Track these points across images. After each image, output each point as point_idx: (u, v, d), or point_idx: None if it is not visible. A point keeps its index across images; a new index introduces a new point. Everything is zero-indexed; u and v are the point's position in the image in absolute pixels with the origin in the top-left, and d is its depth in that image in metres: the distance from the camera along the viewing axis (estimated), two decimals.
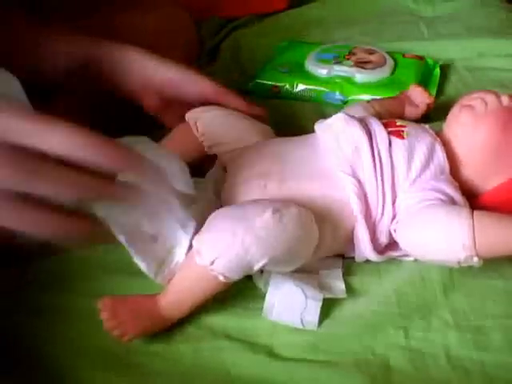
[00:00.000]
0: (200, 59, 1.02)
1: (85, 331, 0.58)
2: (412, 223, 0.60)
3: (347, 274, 0.62)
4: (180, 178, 0.60)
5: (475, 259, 0.57)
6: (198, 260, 0.55)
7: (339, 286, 0.61)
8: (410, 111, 0.80)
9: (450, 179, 0.63)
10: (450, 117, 0.69)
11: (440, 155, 0.64)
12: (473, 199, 0.64)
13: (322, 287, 0.60)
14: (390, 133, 0.64)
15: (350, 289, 0.61)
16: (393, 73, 0.92)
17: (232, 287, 0.58)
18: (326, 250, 0.62)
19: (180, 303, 0.57)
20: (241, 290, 0.61)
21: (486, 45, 1.00)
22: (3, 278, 0.62)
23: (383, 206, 0.62)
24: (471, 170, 0.65)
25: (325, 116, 0.69)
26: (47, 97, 0.77)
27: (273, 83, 0.92)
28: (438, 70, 0.94)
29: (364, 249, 0.62)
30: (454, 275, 0.61)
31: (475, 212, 0.58)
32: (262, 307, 0.59)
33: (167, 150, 0.63)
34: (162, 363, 0.56)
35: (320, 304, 0.58)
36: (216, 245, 0.55)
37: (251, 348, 0.56)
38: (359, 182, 0.62)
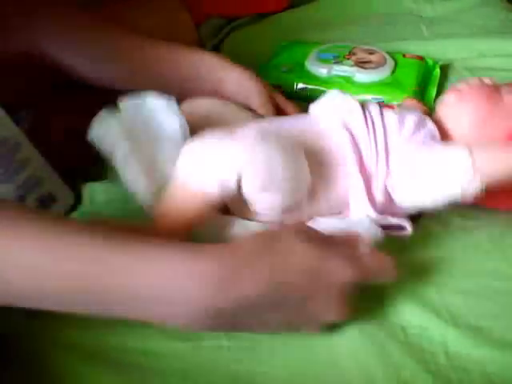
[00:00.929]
0: None
1: (82, 331, 0.58)
2: (408, 166, 0.62)
3: None
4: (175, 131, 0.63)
5: (477, 183, 0.58)
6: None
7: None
8: None
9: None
10: (437, 102, 0.73)
11: (430, 126, 0.67)
12: None
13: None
14: (381, 107, 0.68)
15: None
16: (393, 73, 0.92)
17: None
18: (322, 201, 0.62)
19: (173, 227, 0.57)
20: None
21: (486, 45, 1.00)
22: None
23: (376, 163, 0.63)
24: (464, 141, 0.67)
25: None
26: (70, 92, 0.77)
27: (273, 83, 0.92)
28: (438, 70, 0.94)
29: (361, 203, 0.62)
30: (454, 274, 0.61)
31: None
32: None
33: (174, 107, 0.65)
34: (161, 362, 0.56)
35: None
36: (200, 146, 0.57)
37: (251, 346, 0.57)
38: (353, 137, 0.64)
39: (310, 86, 0.91)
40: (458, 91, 0.70)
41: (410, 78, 0.90)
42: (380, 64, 0.93)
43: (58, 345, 0.57)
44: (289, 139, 0.59)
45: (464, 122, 0.68)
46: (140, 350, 0.56)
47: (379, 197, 0.63)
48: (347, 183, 0.63)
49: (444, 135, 0.67)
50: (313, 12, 1.16)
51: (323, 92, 0.89)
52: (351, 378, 0.54)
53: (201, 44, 1.04)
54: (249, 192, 0.57)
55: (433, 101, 0.90)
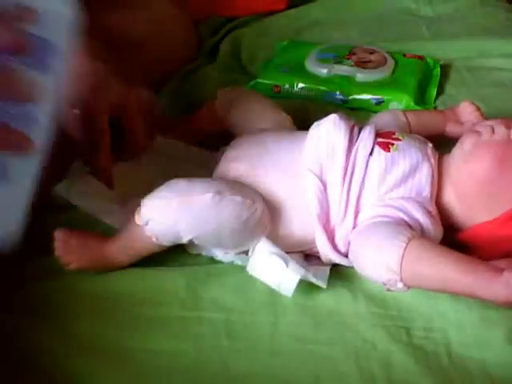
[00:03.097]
0: (199, 59, 1.02)
1: (83, 330, 0.58)
2: (357, 236, 0.60)
3: (348, 272, 0.62)
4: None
5: (399, 284, 0.56)
6: (136, 218, 0.60)
7: (322, 276, 0.60)
8: (452, 128, 0.74)
9: (426, 203, 0.61)
10: (460, 139, 0.65)
11: (423, 177, 0.62)
12: (454, 231, 0.63)
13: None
14: (378, 143, 0.63)
15: (350, 287, 0.61)
16: (393, 72, 0.92)
17: (231, 283, 0.60)
18: (284, 243, 0.61)
19: (122, 253, 0.62)
20: (240, 286, 0.61)
21: (486, 45, 1.00)
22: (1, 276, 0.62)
23: (344, 215, 0.61)
24: (461, 200, 0.63)
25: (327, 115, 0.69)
26: None
27: (273, 83, 0.92)
28: (438, 70, 0.94)
29: (325, 251, 0.61)
30: None
31: (416, 240, 0.56)
32: (264, 303, 0.59)
33: None
34: (161, 361, 0.56)
35: (297, 278, 0.58)
36: (152, 208, 0.59)
37: (252, 345, 0.56)
38: (324, 185, 0.61)
39: (310, 86, 0.91)
40: (476, 138, 0.62)
41: (411, 78, 0.90)
42: (380, 64, 0.93)
43: (58, 344, 0.57)
44: (250, 192, 0.60)
45: (470, 180, 0.62)
46: (141, 349, 0.56)
47: (341, 247, 0.62)
48: (313, 227, 0.61)
49: (445, 188, 0.63)
50: (313, 12, 1.16)
51: (323, 92, 0.90)
52: (352, 379, 0.54)
53: (200, 43, 1.04)
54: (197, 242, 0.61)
55: (433, 100, 0.89)
